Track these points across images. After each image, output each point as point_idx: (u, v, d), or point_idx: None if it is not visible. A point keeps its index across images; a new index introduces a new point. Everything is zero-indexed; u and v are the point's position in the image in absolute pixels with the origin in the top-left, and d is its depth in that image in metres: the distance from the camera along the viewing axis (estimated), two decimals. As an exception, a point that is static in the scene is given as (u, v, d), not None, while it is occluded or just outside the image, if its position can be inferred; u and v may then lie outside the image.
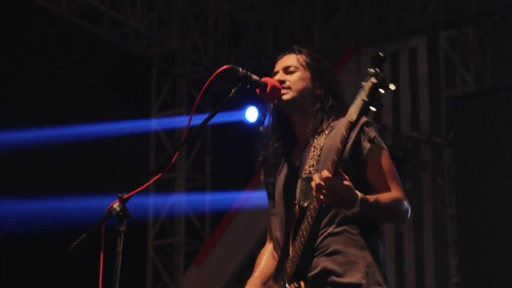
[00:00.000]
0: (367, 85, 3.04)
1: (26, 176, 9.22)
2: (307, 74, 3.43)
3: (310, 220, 3.17)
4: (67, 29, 9.43)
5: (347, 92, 10.17)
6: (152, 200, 9.98)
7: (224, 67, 3.25)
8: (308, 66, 3.44)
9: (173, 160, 3.24)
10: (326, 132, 3.36)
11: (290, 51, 3.50)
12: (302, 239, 3.20)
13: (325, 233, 3.26)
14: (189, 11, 10.04)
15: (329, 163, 3.09)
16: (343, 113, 3.35)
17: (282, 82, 3.40)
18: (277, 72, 3.45)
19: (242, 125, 9.53)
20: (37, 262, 9.27)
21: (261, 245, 3.70)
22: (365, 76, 3.07)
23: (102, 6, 9.11)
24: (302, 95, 3.41)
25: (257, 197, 8.88)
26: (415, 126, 8.91)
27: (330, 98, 3.42)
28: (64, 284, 9.42)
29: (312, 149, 3.35)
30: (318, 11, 9.56)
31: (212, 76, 3.25)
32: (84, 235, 3.09)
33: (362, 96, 3.05)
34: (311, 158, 3.33)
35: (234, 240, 9.49)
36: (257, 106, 9.24)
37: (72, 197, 8.57)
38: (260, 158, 3.52)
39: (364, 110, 3.04)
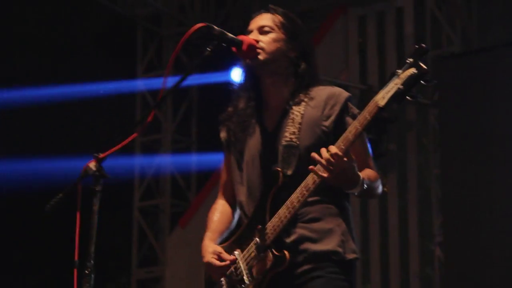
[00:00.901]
0: (404, 73, 2.94)
1: (16, 136, 9.20)
2: (281, 36, 3.35)
3: (305, 191, 3.10)
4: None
5: (334, 52, 10.08)
6: (138, 162, 9.95)
7: (199, 25, 3.18)
8: (283, 27, 3.35)
9: (148, 120, 3.19)
10: (305, 100, 3.29)
11: (266, 10, 3.41)
12: (291, 209, 3.14)
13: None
14: (175, -30, 9.95)
15: (342, 142, 3.02)
16: (316, 79, 3.35)
17: (256, 42, 3.32)
18: (251, 31, 3.37)
19: (229, 86, 9.49)
20: (14, 222, 9.27)
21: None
22: (403, 65, 2.96)
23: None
24: (275, 57, 3.33)
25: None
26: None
27: (303, 62, 3.35)
28: (41, 244, 9.43)
29: (292, 115, 3.28)
30: (305, -29, 9.48)
31: (187, 34, 3.16)
32: (60, 194, 3.06)
33: (397, 83, 2.94)
34: (291, 126, 3.26)
35: (219, 201, 9.47)
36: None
37: (56, 157, 8.54)
38: (225, 114, 3.45)
39: (396, 98, 2.94)
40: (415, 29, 8.89)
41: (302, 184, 3.11)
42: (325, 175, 3.02)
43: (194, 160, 10.14)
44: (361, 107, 3.11)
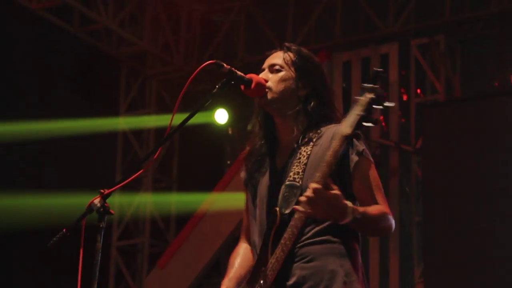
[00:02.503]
0: (363, 100, 2.96)
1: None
2: (291, 74, 3.32)
3: (294, 230, 3.08)
4: (38, 25, 9.31)
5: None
6: (117, 200, 9.87)
7: (209, 62, 3.16)
8: (294, 65, 3.33)
9: (155, 157, 3.19)
10: (314, 139, 3.27)
11: (281, 48, 3.41)
12: (285, 248, 3.10)
13: (305, 242, 3.19)
14: (162, 10, 9.96)
15: (319, 175, 3.01)
16: (329, 117, 3.30)
17: (265, 81, 3.32)
18: (263, 70, 3.37)
19: (211, 127, 9.47)
20: (16, 258, 9.14)
21: (226, 249, 3.63)
22: (361, 91, 2.99)
23: (73, 2, 9.01)
24: (284, 96, 3.30)
25: (223, 200, 8.82)
26: (384, 132, 8.90)
27: (313, 100, 3.30)
28: (43, 281, 9.30)
29: (298, 156, 3.26)
30: (291, 14, 9.53)
31: (197, 70, 3.16)
32: (64, 230, 3.03)
33: (356, 110, 2.97)
34: (297, 166, 3.24)
35: (198, 243, 9.40)
36: (227, 109, 9.19)
37: (36, 195, 8.45)
38: (246, 153, 3.44)
39: (358, 125, 2.97)
40: (399, 76, 8.95)
41: (292, 223, 3.09)
42: (308, 210, 2.99)
43: (174, 200, 10.07)
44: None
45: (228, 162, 9.96)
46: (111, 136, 10.05)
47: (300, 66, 3.33)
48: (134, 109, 10.24)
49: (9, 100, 8.99)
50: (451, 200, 7.72)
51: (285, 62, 3.34)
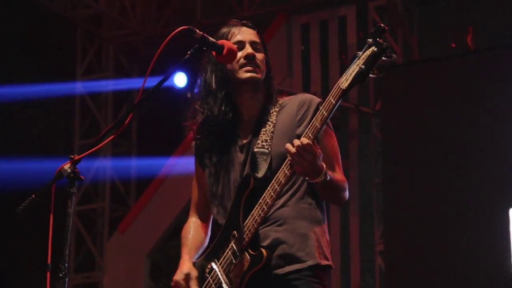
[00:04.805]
0: (365, 53, 3.02)
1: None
2: (265, 56, 3.43)
3: (277, 187, 3.15)
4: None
5: (277, 60, 10.07)
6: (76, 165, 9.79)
7: (182, 28, 3.14)
8: (264, 47, 3.45)
9: (127, 122, 3.13)
10: (276, 109, 3.37)
11: (246, 24, 3.46)
12: (265, 207, 3.18)
13: (278, 205, 3.27)
14: (118, -28, 9.84)
15: (310, 131, 3.07)
16: (279, 94, 3.45)
17: (252, 57, 3.37)
18: (242, 43, 3.38)
19: (170, 90, 9.42)
20: None
21: (186, 213, 3.64)
22: (363, 46, 3.04)
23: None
24: (264, 75, 3.41)
25: (183, 163, 8.80)
26: (343, 95, 8.93)
27: (273, 80, 3.45)
28: (13, 247, 9.23)
29: (264, 125, 3.35)
30: (249, -23, 9.48)
31: (169, 37, 3.11)
32: (33, 196, 3.00)
33: (358, 63, 3.02)
34: (263, 134, 3.33)
35: (159, 208, 9.41)
36: (186, 72, 9.13)
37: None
38: (196, 123, 3.42)
39: (359, 78, 3.01)
40: (357, 38, 8.97)
41: (273, 180, 3.17)
42: (297, 163, 3.07)
43: (134, 164, 10.04)
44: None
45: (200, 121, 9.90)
46: (68, 100, 9.96)
47: (265, 46, 3.46)
48: (91, 72, 10.13)
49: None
50: (410, 161, 7.81)
51: (260, 41, 3.44)
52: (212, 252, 3.37)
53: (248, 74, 3.36)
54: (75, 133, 10.05)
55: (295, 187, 3.30)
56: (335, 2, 9.12)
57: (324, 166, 3.13)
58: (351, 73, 3.02)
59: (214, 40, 3.24)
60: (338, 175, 3.27)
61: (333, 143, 3.33)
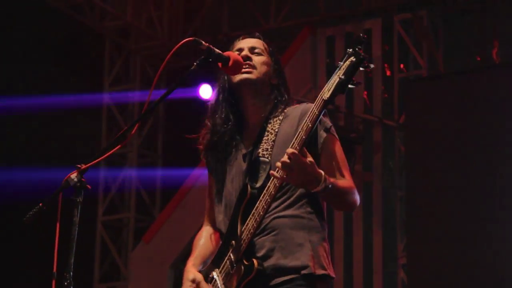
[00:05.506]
0: (345, 64, 3.06)
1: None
2: (269, 61, 3.47)
3: (268, 198, 3.17)
4: (21, 0, 9.26)
5: (302, 72, 10.09)
6: (103, 175, 9.90)
7: (187, 39, 3.20)
8: (270, 54, 3.49)
9: (132, 133, 3.20)
10: (280, 117, 3.39)
11: (253, 35, 3.55)
12: (258, 218, 3.20)
13: (274, 215, 3.29)
14: (145, -15, 9.94)
15: (296, 142, 3.10)
16: (290, 103, 3.46)
17: (248, 59, 3.41)
18: (242, 49, 3.45)
19: (196, 102, 9.48)
20: None
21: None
22: (344, 56, 3.08)
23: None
24: (263, 79, 3.43)
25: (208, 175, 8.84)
26: (368, 108, 8.95)
27: (283, 90, 3.47)
28: (20, 255, 9.31)
29: (266, 134, 3.37)
30: (275, -10, 9.53)
31: (175, 48, 3.19)
32: (40, 204, 3.03)
33: (338, 74, 3.06)
34: (265, 143, 3.35)
35: (184, 218, 9.45)
36: (211, 84, 9.19)
37: (22, 169, 8.46)
38: (204, 133, 3.49)
39: (339, 88, 3.05)
40: (382, 51, 8.98)
41: (265, 192, 3.19)
42: (284, 176, 3.09)
43: (159, 175, 10.11)
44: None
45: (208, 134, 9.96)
46: (96, 111, 10.05)
47: (274, 56, 3.51)
48: (118, 83, 10.23)
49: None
50: (433, 174, 7.79)
51: (264, 48, 3.49)
52: (214, 261, 3.41)
53: (242, 76, 3.39)
54: (102, 144, 10.15)
55: (293, 196, 3.31)
56: (361, 15, 9.15)
57: (323, 173, 3.13)
58: (333, 84, 3.06)
59: (220, 51, 3.28)
60: (343, 181, 3.28)
61: (337, 149, 3.34)
